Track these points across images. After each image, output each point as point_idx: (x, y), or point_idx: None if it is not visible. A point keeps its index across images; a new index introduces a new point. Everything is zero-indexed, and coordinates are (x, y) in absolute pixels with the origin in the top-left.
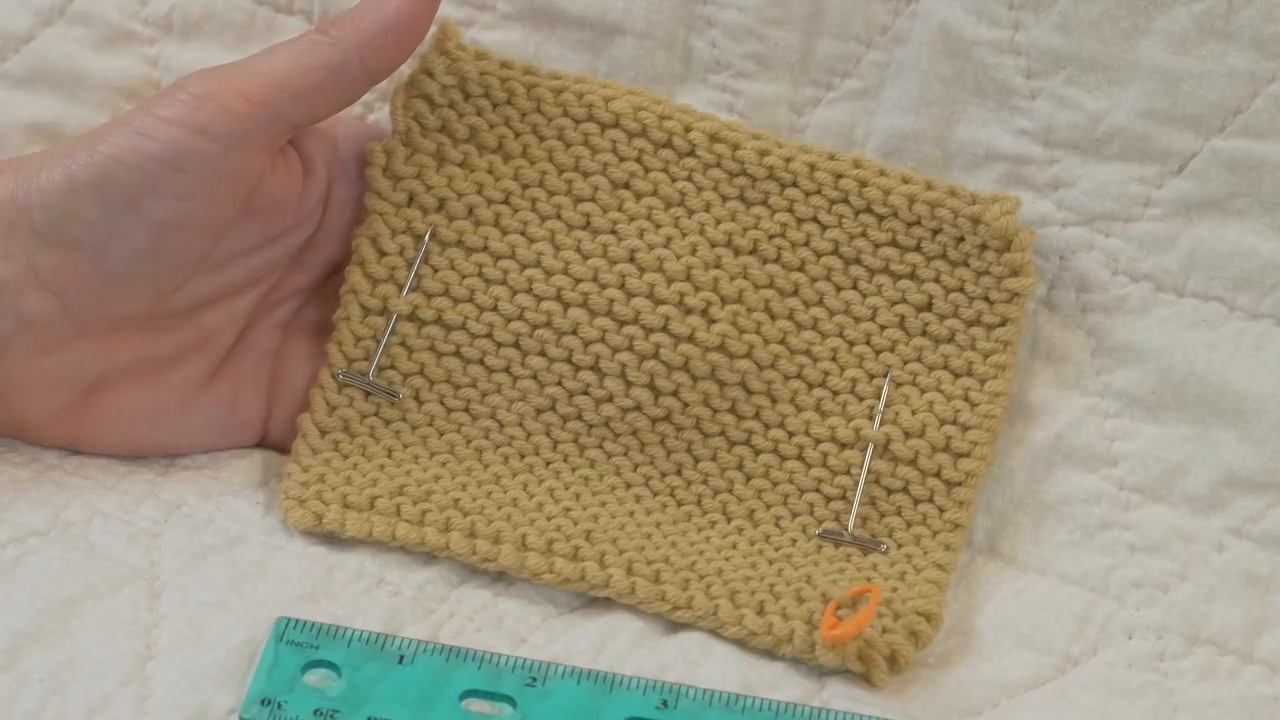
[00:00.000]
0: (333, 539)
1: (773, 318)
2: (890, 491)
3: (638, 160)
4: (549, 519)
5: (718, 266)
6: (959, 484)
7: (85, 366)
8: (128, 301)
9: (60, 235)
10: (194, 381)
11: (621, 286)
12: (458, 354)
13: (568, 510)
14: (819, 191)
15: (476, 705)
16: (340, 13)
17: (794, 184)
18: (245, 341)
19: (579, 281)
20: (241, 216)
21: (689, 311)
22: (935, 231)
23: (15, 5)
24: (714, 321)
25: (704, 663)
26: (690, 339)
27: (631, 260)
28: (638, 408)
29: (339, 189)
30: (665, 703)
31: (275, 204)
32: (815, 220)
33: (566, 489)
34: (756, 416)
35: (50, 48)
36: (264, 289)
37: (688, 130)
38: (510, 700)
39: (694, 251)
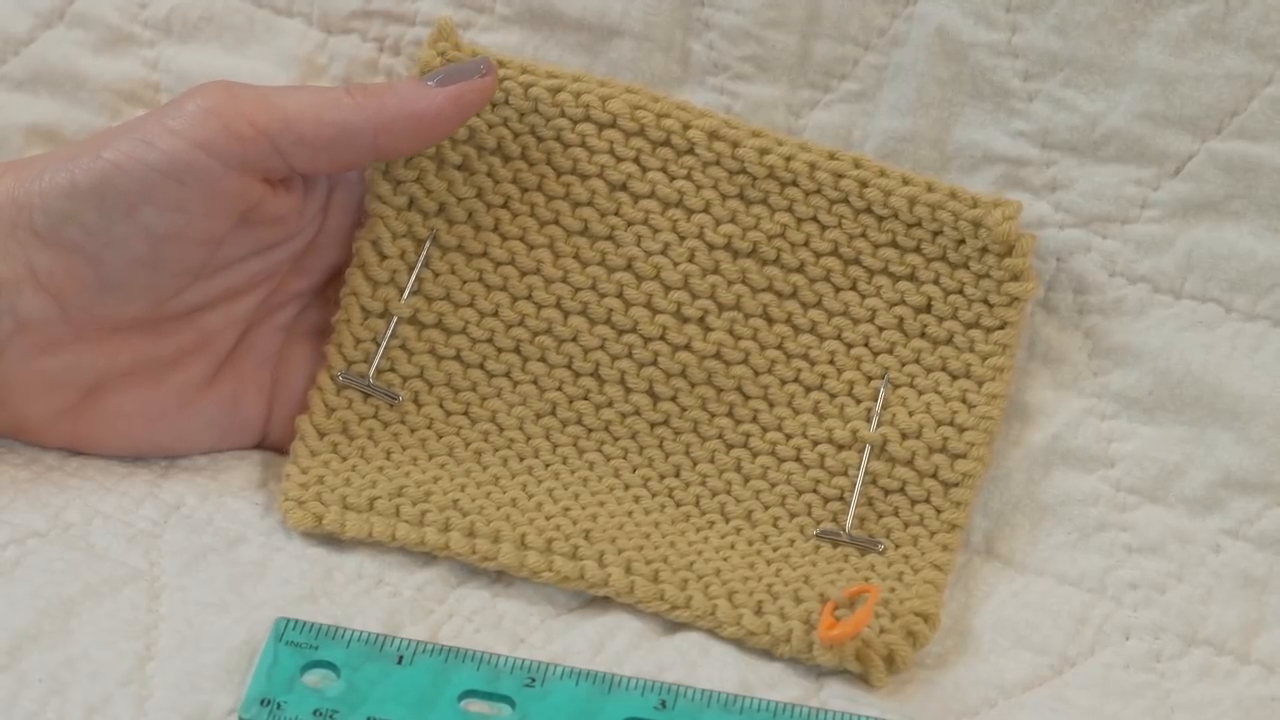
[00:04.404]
0: (332, 540)
1: (770, 323)
2: (887, 492)
3: (635, 160)
4: (548, 518)
5: (715, 272)
6: (956, 485)
7: (84, 368)
8: (125, 307)
9: (59, 237)
10: (194, 384)
11: (620, 296)
12: (458, 358)
13: (566, 510)
14: (819, 191)
15: (475, 705)
16: (376, 84)
17: (794, 183)
18: (246, 344)
19: (578, 290)
20: (240, 228)
21: (685, 321)
22: (936, 234)
23: (15, 7)
24: (710, 330)
25: (702, 663)
26: (687, 347)
27: (629, 269)
28: (636, 412)
29: (340, 192)
30: (663, 703)
31: (275, 219)
32: (815, 220)
33: (565, 490)
34: (754, 420)
35: (50, 50)
36: (264, 293)
37: (686, 128)
38: (509, 700)
39: (691, 258)
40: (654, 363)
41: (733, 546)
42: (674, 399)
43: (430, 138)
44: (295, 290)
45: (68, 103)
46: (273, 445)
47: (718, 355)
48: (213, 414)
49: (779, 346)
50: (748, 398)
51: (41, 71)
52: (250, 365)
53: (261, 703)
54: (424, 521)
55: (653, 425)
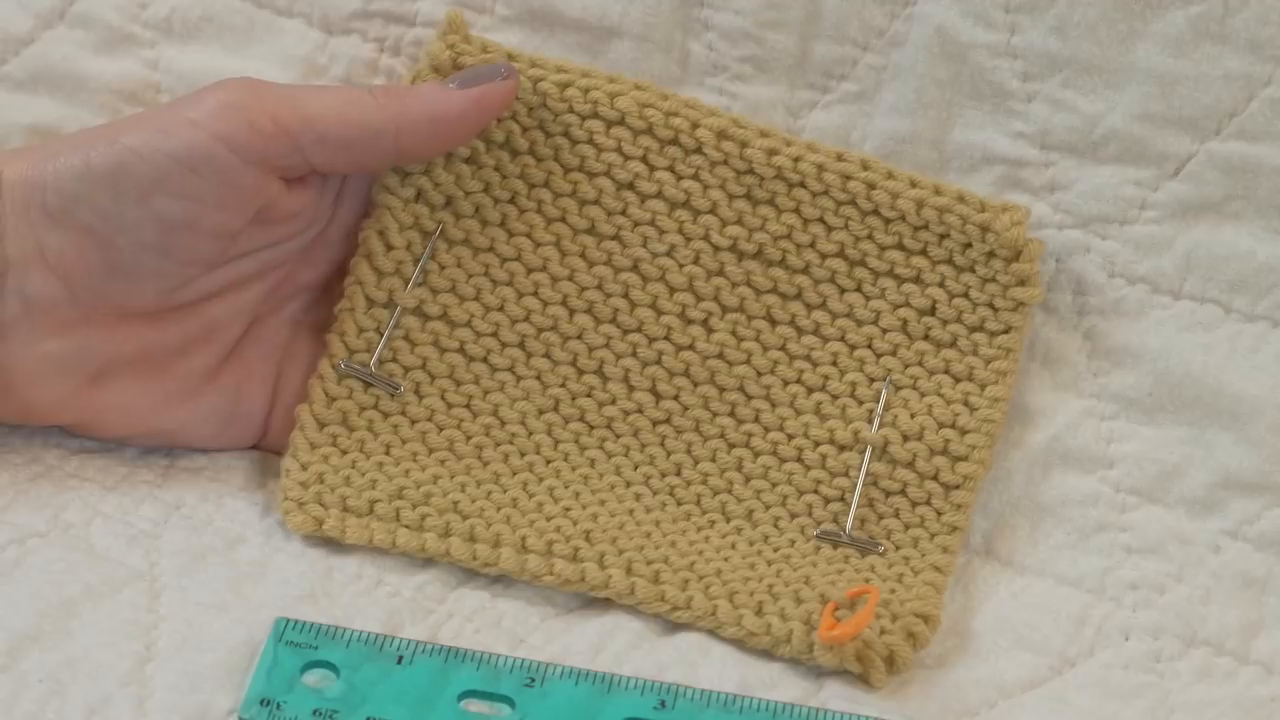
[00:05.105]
0: (332, 539)
1: (773, 324)
2: (888, 494)
3: (643, 159)
4: (548, 519)
5: (720, 274)
6: (956, 487)
7: (91, 353)
8: (134, 292)
9: (70, 218)
10: (199, 373)
11: (625, 296)
12: (461, 350)
13: (567, 510)
14: (826, 193)
15: (475, 705)
16: (399, 85)
17: (801, 184)
18: (253, 335)
19: (584, 289)
20: (254, 224)
21: (690, 322)
22: (942, 236)
23: (15, 8)
24: (713, 331)
25: (702, 663)
26: (690, 347)
27: (635, 270)
28: (639, 410)
29: (352, 184)
30: (663, 703)
31: (290, 215)
32: (822, 221)
33: (566, 488)
34: (756, 419)
35: (50, 50)
36: (272, 282)
37: (694, 127)
38: (509, 700)
39: (697, 260)
40: (657, 361)
41: (733, 546)
42: (676, 397)
43: (452, 140)
44: (303, 282)
45: (68, 103)
46: (272, 444)
47: (721, 355)
48: (216, 404)
49: (782, 348)
50: (750, 397)
51: (42, 72)
52: (256, 357)
53: (261, 703)
54: (424, 526)
55: (655, 423)
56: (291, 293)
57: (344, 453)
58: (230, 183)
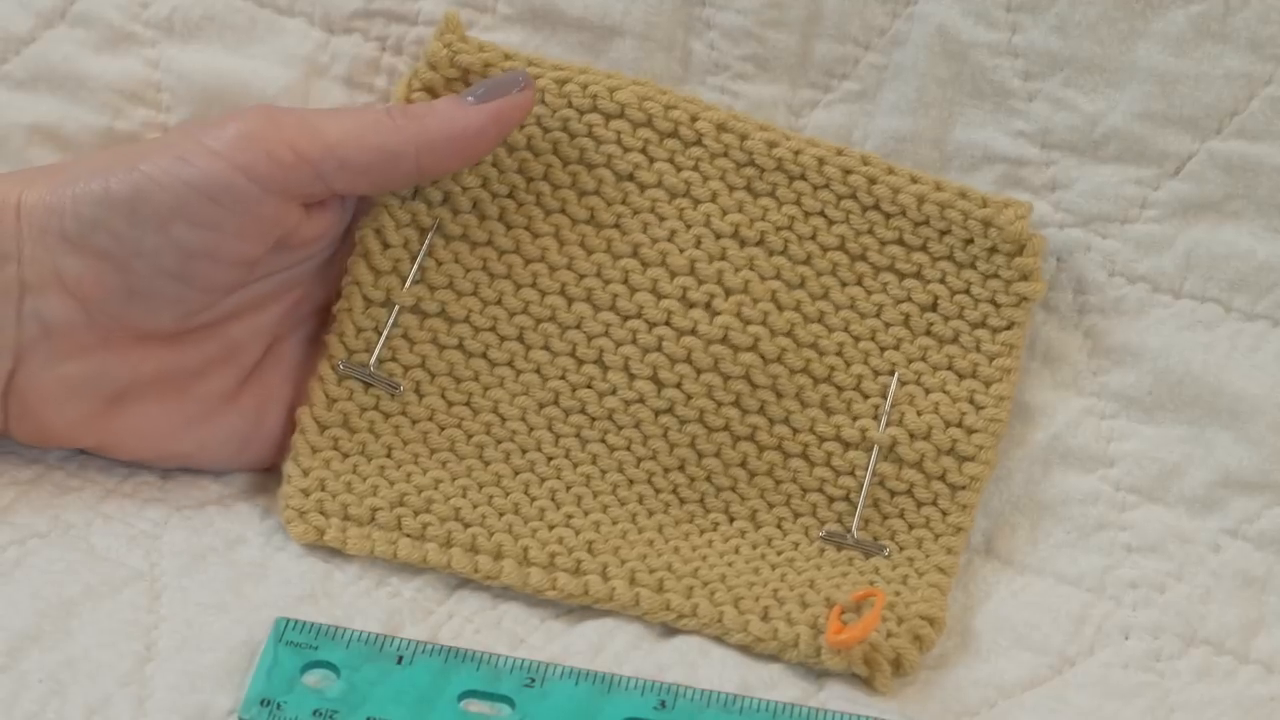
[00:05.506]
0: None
1: (779, 309)
2: (894, 494)
3: (642, 151)
4: (550, 528)
5: (722, 258)
6: (963, 488)
7: (109, 376)
8: (152, 317)
9: (88, 243)
10: (219, 395)
11: (625, 281)
12: (460, 347)
13: (570, 518)
14: (827, 186)
15: (475, 706)
16: (416, 105)
17: (802, 177)
18: (273, 356)
19: (583, 277)
20: (273, 250)
21: (691, 305)
22: (943, 232)
23: (16, 7)
24: (717, 314)
25: (702, 663)
26: (692, 332)
27: (635, 255)
28: (641, 400)
29: (367, 203)
30: (663, 703)
31: (311, 240)
32: (822, 215)
33: (568, 490)
34: (761, 411)
35: (51, 49)
36: (290, 302)
37: (694, 120)
38: (509, 700)
39: (698, 244)
40: (658, 348)
41: (737, 550)
42: (679, 385)
43: (473, 156)
44: (320, 301)
45: (69, 102)
46: None
47: (725, 340)
48: (235, 425)
49: (788, 333)
50: (755, 387)
51: (43, 71)
52: (276, 379)
53: (261, 703)
54: (425, 536)
55: (657, 413)
56: (309, 312)
57: (345, 456)
58: (251, 212)
